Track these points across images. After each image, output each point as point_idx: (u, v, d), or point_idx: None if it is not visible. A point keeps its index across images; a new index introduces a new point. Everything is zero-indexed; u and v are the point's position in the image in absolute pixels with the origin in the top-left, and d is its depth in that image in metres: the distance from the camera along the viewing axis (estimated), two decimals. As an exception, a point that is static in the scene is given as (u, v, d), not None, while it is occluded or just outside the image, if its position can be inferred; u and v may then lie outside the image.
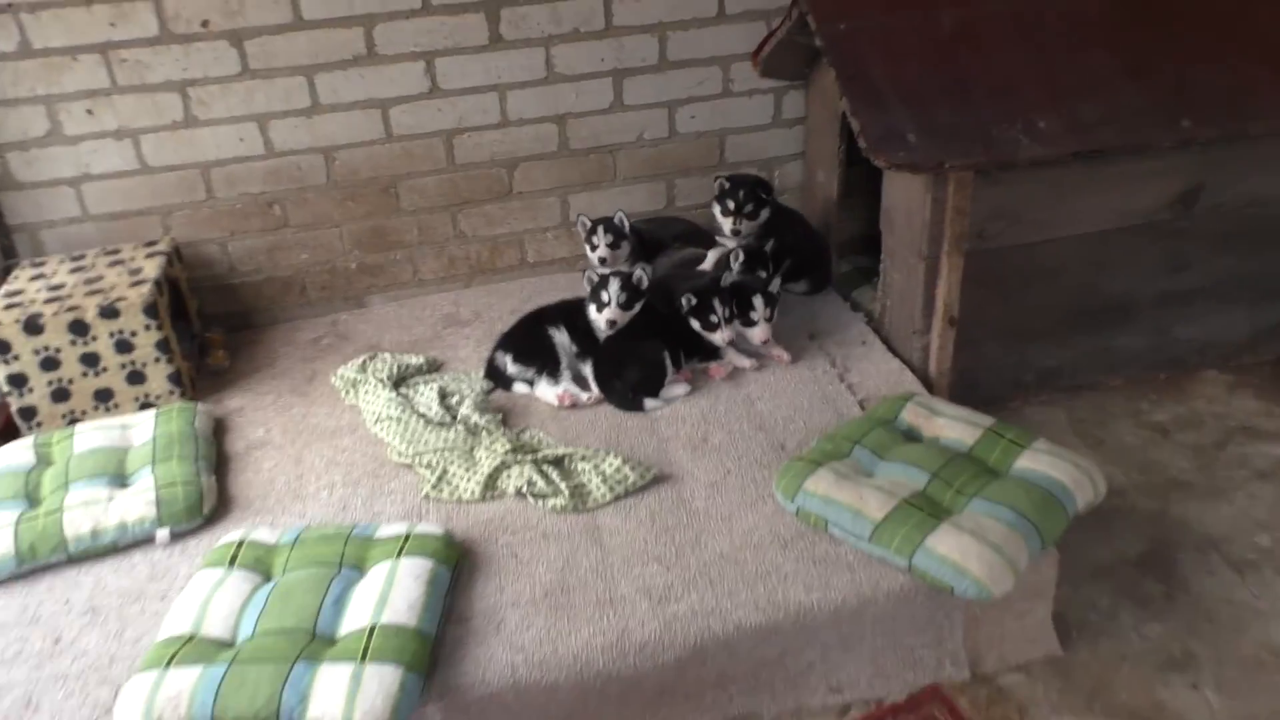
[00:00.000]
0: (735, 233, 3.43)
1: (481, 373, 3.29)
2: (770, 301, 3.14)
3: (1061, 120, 2.90)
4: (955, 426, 2.70)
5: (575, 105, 3.66)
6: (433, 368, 3.36)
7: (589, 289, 3.21)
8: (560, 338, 3.21)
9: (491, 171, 3.70)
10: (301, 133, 3.47)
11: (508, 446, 2.80)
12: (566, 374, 3.16)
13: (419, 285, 3.82)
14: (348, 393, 3.25)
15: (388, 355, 3.40)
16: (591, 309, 3.18)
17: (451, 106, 3.56)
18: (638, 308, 3.18)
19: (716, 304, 3.10)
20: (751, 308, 3.12)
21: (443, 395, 3.13)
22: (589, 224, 3.49)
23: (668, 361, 3.09)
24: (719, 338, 3.11)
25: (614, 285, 3.14)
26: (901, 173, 2.80)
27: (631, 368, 3.06)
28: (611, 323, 3.12)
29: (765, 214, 3.46)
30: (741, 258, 3.33)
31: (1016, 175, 2.94)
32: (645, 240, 3.68)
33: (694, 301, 3.12)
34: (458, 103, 3.56)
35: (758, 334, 3.15)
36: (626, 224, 3.50)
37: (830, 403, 3.03)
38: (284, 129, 3.46)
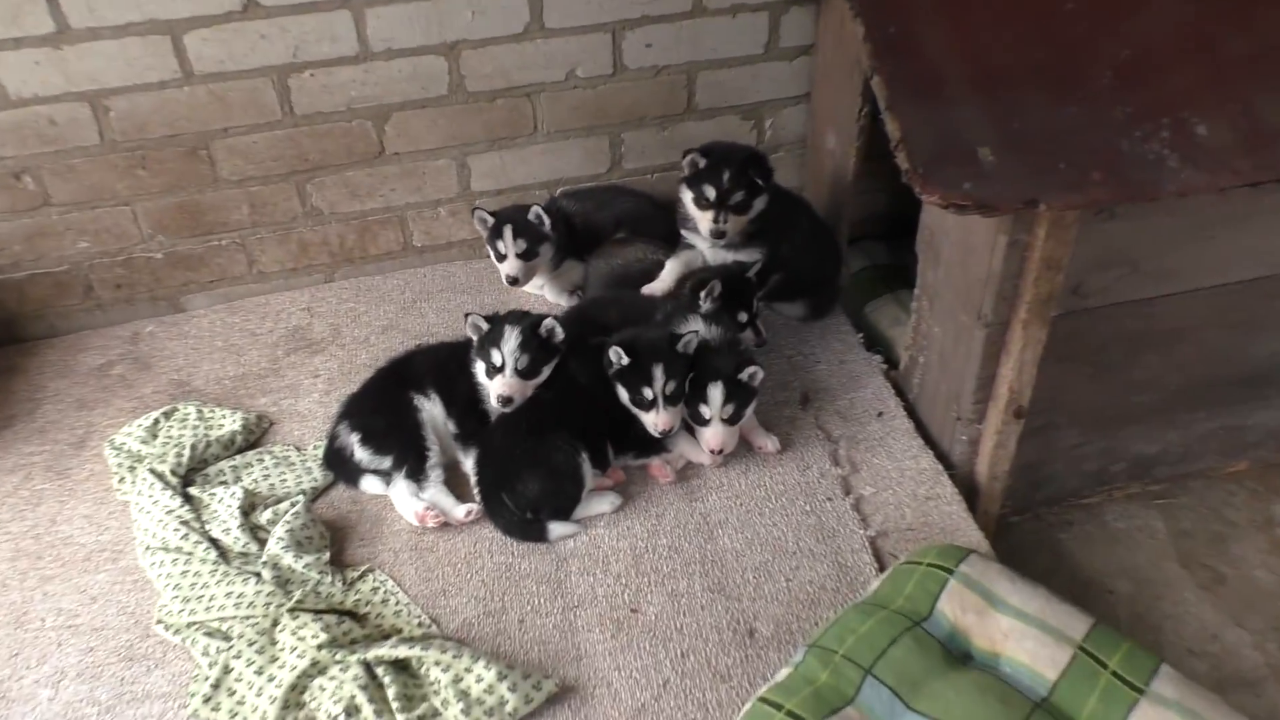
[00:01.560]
0: (717, 235, 2.29)
1: (321, 449, 2.23)
2: (738, 396, 2.06)
3: (1231, 123, 1.77)
4: (1026, 638, 1.70)
5: (471, 29, 2.47)
6: (250, 437, 2.30)
7: (475, 342, 2.13)
8: (430, 409, 2.16)
9: (350, 125, 2.54)
10: (48, 71, 2.30)
11: (321, 637, 1.79)
12: (437, 470, 2.12)
13: (259, 280, 2.72)
14: (123, 479, 2.21)
15: (192, 410, 2.35)
16: (478, 372, 2.11)
17: (280, 32, 2.37)
18: (546, 373, 2.11)
19: (658, 372, 2.03)
20: (703, 398, 2.04)
21: (249, 507, 2.09)
22: (488, 219, 2.39)
23: (586, 469, 2.03)
24: (650, 422, 2.05)
25: (510, 341, 2.06)
26: (968, 214, 1.67)
27: (531, 477, 2.02)
28: (506, 399, 2.06)
29: (760, 205, 2.32)
30: (717, 292, 2.22)
31: (1144, 207, 1.82)
32: (575, 229, 2.57)
33: (624, 359, 2.04)
34: (289, 26, 2.37)
35: (707, 438, 2.09)
36: (546, 221, 2.40)
37: (828, 540, 2.01)
38: (19, 66, 2.29)
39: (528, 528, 2.03)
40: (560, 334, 2.12)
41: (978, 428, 2.12)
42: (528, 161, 2.71)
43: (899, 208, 2.49)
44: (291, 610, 1.83)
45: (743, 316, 2.28)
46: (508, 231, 2.39)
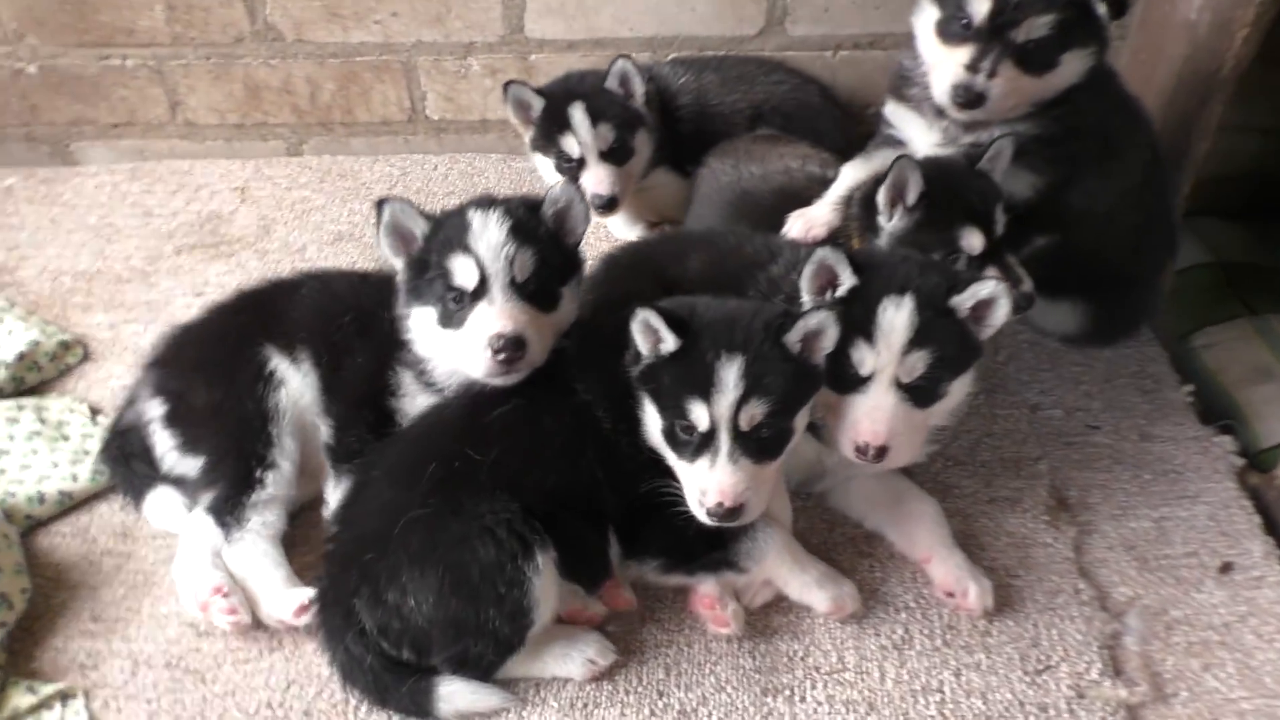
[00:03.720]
0: (967, 100, 1.14)
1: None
2: (939, 340, 1.01)
3: None
4: None
5: None
6: (28, 376, 1.33)
7: (407, 264, 1.04)
8: (295, 387, 1.12)
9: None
10: None
11: None
12: (269, 512, 1.06)
13: (187, 135, 1.81)
14: None
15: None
16: (419, 323, 1.09)
17: None
18: (570, 305, 1.16)
19: (729, 375, 0.98)
20: (867, 330, 0.96)
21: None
22: (532, 103, 1.42)
23: (541, 582, 0.90)
24: (693, 483, 0.96)
25: (491, 231, 1.14)
26: None
27: (420, 581, 0.95)
28: (513, 342, 1.09)
29: (1074, 70, 1.15)
30: (913, 195, 1.08)
31: None
32: (678, 115, 1.44)
33: (668, 341, 0.96)
34: None
35: (863, 414, 1.03)
36: (638, 88, 1.32)
37: None
38: None
39: (390, 684, 0.93)
40: (581, 221, 1.01)
41: None
42: (622, 8, 1.57)
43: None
44: None
45: (973, 241, 1.09)
46: (578, 114, 1.32)
